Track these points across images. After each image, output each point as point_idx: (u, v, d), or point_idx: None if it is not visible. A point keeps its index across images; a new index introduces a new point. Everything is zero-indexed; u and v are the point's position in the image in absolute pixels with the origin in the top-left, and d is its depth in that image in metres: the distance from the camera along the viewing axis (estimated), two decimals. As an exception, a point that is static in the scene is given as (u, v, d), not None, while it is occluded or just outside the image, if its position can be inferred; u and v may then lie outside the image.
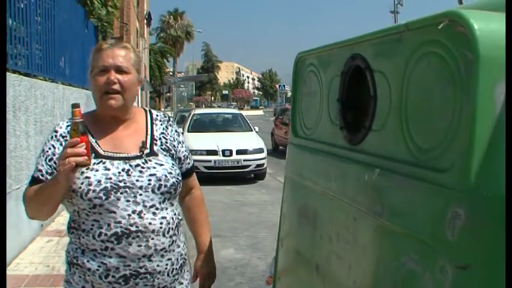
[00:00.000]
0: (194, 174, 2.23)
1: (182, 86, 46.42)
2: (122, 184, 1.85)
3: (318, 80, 2.13)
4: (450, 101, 1.22)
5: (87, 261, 1.86)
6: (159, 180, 1.90)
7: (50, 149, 1.94)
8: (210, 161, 11.53)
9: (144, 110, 2.14)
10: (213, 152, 11.66)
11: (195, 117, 14.15)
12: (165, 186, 1.91)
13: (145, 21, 36.14)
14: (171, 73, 60.77)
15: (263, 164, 12.01)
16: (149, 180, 1.88)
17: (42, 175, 1.91)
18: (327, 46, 2.07)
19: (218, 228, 7.41)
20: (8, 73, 5.42)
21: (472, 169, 1.12)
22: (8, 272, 4.98)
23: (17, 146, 5.60)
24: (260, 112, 78.72)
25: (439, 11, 1.30)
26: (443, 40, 1.25)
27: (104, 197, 1.82)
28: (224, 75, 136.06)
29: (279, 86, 57.36)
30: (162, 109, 45.04)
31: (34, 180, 1.93)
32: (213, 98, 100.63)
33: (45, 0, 7.34)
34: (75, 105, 1.81)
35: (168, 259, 1.91)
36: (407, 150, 1.40)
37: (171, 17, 66.86)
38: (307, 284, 2.07)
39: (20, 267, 5.21)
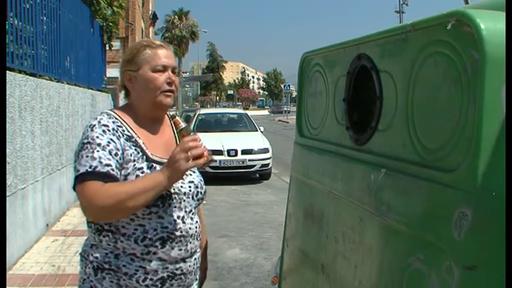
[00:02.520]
0: None
1: (187, 85, 46.52)
2: (172, 190, 1.88)
3: (323, 80, 2.12)
4: (457, 101, 1.21)
5: (124, 265, 1.82)
6: (197, 187, 1.98)
7: (109, 143, 1.80)
8: (215, 161, 11.51)
9: (167, 115, 2.13)
10: (218, 152, 11.65)
11: (200, 117, 14.15)
12: (201, 193, 1.99)
13: (150, 21, 36.17)
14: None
15: (268, 164, 12.01)
16: (189, 186, 1.94)
17: (112, 170, 1.76)
18: (333, 46, 2.06)
19: (224, 228, 7.42)
20: (14, 73, 5.44)
21: (478, 169, 1.12)
22: (13, 272, 5.01)
23: (23, 145, 5.61)
24: (265, 112, 78.77)
25: (445, 11, 1.30)
26: (450, 40, 1.25)
27: (161, 205, 1.84)
28: (229, 75, 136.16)
29: (284, 85, 57.17)
30: (167, 109, 44.96)
31: (102, 176, 1.75)
32: (218, 97, 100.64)
33: (50, 0, 7.36)
34: (174, 116, 1.88)
35: (195, 259, 1.98)
36: (413, 150, 1.39)
37: (176, 16, 66.84)
38: (313, 284, 2.07)
39: (26, 266, 5.22)
